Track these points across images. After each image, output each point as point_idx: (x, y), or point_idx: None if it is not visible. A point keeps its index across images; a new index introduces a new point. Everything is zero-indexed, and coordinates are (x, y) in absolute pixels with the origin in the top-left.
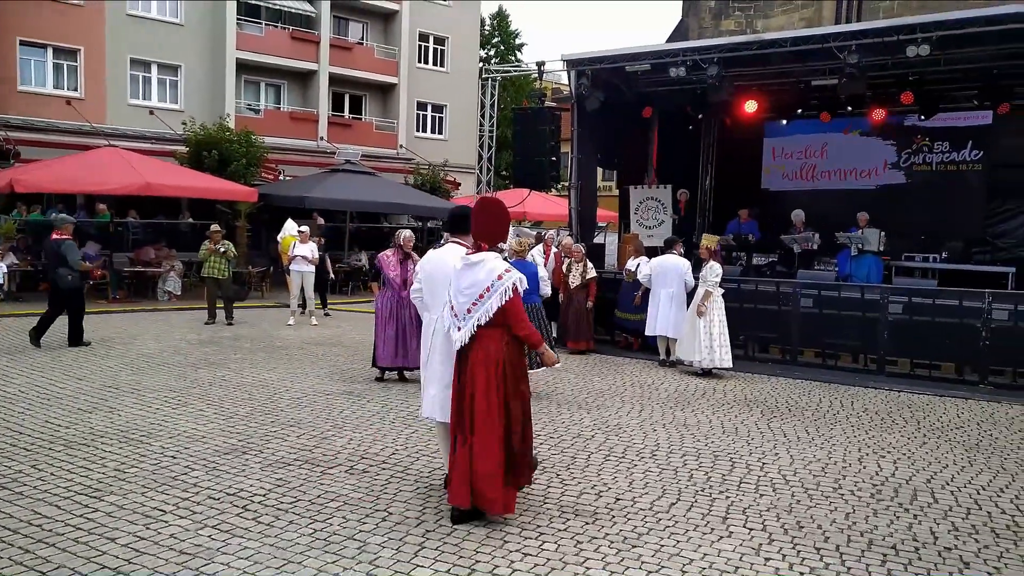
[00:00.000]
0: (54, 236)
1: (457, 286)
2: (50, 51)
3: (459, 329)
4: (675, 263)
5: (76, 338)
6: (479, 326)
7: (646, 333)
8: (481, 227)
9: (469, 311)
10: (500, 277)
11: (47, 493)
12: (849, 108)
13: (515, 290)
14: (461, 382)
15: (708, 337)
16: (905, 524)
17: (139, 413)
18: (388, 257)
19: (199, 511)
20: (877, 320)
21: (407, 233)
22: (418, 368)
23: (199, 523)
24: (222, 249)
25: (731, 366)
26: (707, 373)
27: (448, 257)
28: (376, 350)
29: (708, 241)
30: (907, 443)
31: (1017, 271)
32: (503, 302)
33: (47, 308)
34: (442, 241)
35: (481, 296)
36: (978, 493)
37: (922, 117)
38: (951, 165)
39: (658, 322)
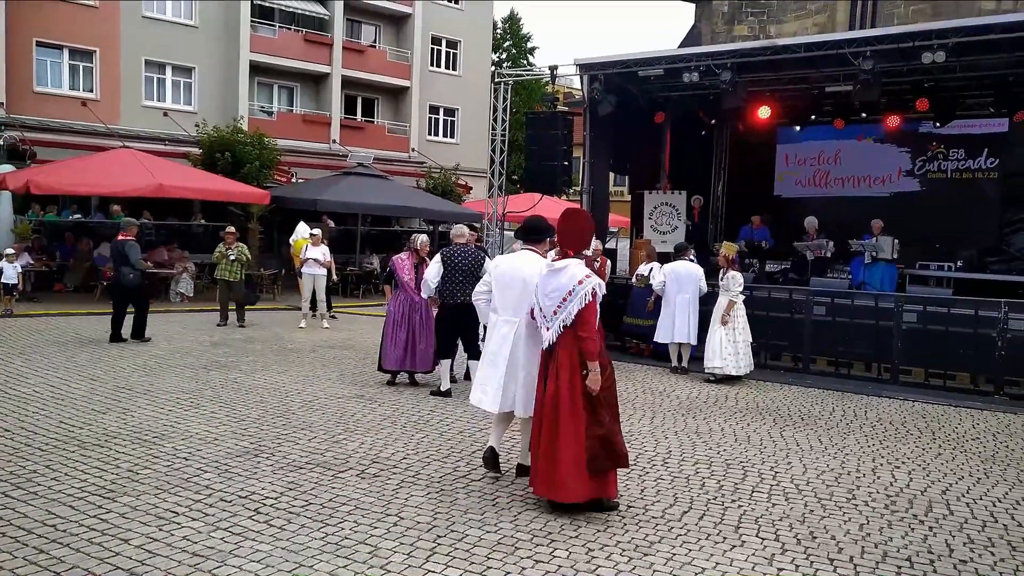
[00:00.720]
0: (119, 237)
1: (543, 290)
2: (66, 52)
3: (547, 330)
4: (689, 269)
5: (139, 333)
6: (565, 326)
7: (660, 340)
8: (567, 234)
9: (555, 313)
10: (580, 282)
11: (61, 493)
12: (863, 115)
13: (594, 295)
14: (546, 379)
15: (732, 345)
16: (920, 536)
17: (152, 415)
18: (403, 260)
19: (211, 513)
20: (891, 329)
21: (423, 238)
22: (425, 371)
23: (211, 525)
24: (232, 256)
25: (751, 371)
26: (723, 379)
27: (523, 263)
28: (384, 352)
29: (728, 250)
30: (922, 454)
31: None
32: (583, 305)
33: (113, 309)
34: (449, 243)
35: (564, 299)
36: (994, 505)
37: (937, 124)
38: (966, 173)
39: (675, 329)
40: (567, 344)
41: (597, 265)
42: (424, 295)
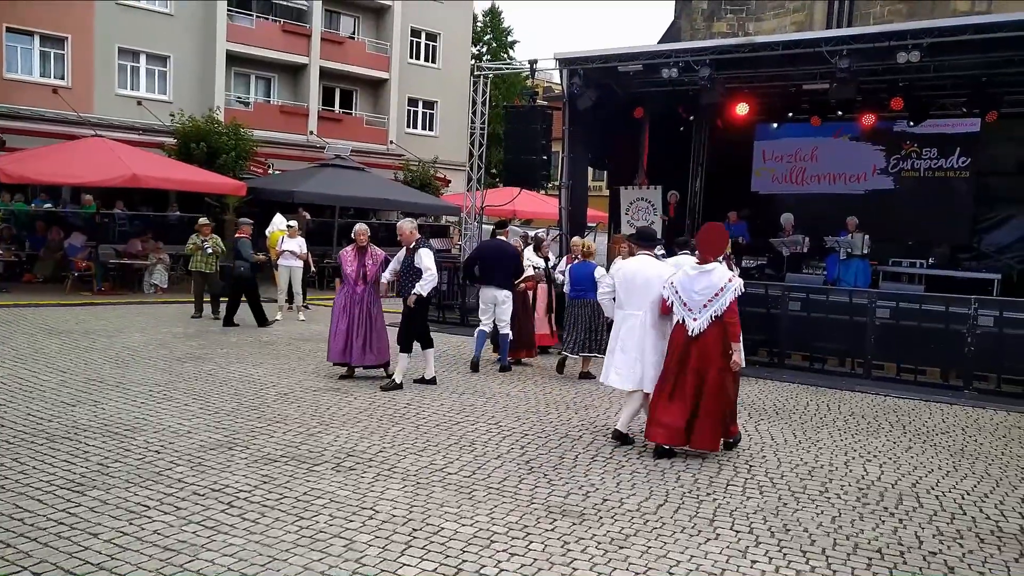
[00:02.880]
0: (236, 235)
1: (691, 288)
2: (37, 38)
3: (695, 320)
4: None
5: (261, 320)
6: (716, 316)
7: None
8: (707, 244)
9: (704, 306)
10: (730, 280)
11: (29, 487)
12: (839, 112)
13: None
14: (688, 357)
15: None
16: (891, 528)
17: (123, 407)
18: (347, 253)
19: (184, 507)
20: (865, 324)
21: (360, 226)
22: (364, 366)
23: (183, 519)
24: (208, 249)
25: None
26: None
27: (644, 266)
28: (328, 344)
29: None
30: (893, 447)
31: (1002, 278)
32: (734, 298)
33: (229, 297)
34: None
35: (716, 295)
36: (963, 498)
37: (911, 123)
38: (939, 172)
39: None
40: (713, 330)
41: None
42: (426, 291)
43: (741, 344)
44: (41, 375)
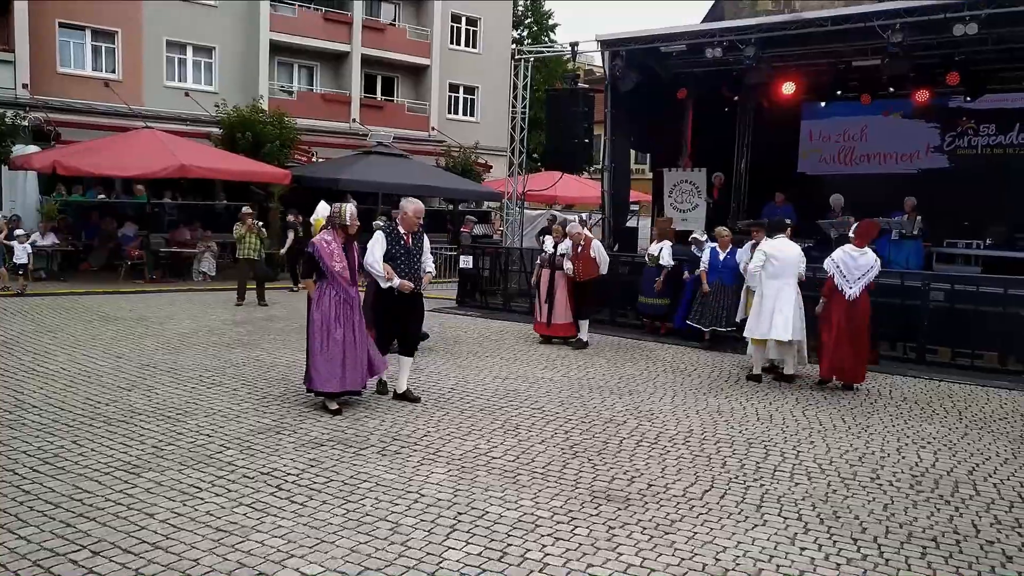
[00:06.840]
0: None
1: (853, 265)
2: (88, 33)
3: (851, 288)
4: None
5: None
6: (865, 286)
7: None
8: (864, 234)
9: (859, 279)
10: (876, 260)
11: (88, 468)
12: (891, 89)
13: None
14: (849, 316)
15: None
16: (946, 516)
17: (176, 392)
18: (326, 244)
19: (234, 489)
20: (917, 307)
21: (351, 208)
22: (372, 379)
23: (234, 501)
24: (261, 223)
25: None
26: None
27: (788, 248)
28: (312, 369)
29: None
30: (948, 434)
31: None
32: (877, 272)
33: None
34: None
35: (868, 271)
36: (1022, 486)
37: (968, 99)
38: (997, 149)
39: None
40: (863, 296)
41: (580, 249)
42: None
43: None
44: (98, 360)
